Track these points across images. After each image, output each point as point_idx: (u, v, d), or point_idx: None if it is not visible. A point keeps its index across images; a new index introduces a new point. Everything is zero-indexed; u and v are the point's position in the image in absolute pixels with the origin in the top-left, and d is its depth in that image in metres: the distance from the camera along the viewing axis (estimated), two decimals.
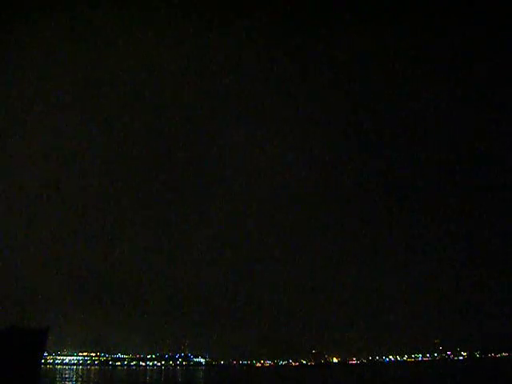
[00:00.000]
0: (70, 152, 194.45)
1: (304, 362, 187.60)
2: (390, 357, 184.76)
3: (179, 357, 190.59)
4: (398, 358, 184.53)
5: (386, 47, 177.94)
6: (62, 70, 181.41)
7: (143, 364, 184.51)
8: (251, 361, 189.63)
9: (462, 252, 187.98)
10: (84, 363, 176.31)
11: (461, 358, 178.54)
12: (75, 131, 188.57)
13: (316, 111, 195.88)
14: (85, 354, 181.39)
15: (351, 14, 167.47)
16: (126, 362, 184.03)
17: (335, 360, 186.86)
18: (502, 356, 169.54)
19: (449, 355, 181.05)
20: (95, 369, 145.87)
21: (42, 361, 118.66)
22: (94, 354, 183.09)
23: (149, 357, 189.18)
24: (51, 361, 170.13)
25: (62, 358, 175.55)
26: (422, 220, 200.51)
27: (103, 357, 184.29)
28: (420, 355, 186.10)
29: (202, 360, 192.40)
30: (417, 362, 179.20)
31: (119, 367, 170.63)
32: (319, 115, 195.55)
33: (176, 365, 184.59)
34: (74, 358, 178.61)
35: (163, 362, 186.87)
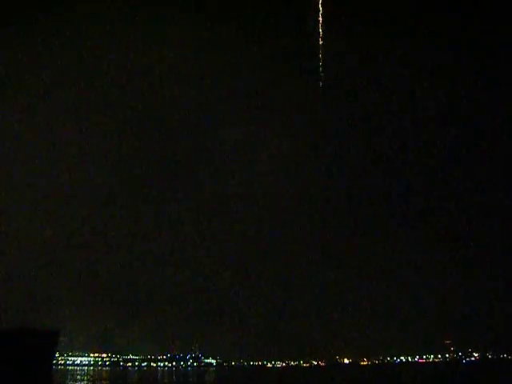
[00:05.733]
0: (73, 154, 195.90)
1: (315, 362, 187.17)
2: (401, 357, 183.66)
3: (190, 358, 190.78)
4: (409, 359, 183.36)
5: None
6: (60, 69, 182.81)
7: (154, 365, 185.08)
8: (262, 362, 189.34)
9: (474, 251, 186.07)
10: (95, 364, 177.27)
11: (472, 358, 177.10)
12: (74, 132, 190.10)
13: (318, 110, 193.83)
14: (96, 354, 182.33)
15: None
16: (136, 363, 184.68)
17: (346, 361, 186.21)
18: None
19: (460, 356, 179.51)
20: (106, 370, 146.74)
21: (54, 362, 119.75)
22: (104, 355, 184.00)
23: (160, 358, 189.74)
24: (62, 362, 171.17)
25: (72, 359, 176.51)
26: (433, 217, 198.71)
27: (114, 358, 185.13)
28: (431, 356, 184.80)
29: (213, 361, 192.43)
30: (428, 363, 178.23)
31: (130, 368, 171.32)
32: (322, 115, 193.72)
33: (187, 366, 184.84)
34: (85, 358, 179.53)
35: (174, 363, 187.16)
